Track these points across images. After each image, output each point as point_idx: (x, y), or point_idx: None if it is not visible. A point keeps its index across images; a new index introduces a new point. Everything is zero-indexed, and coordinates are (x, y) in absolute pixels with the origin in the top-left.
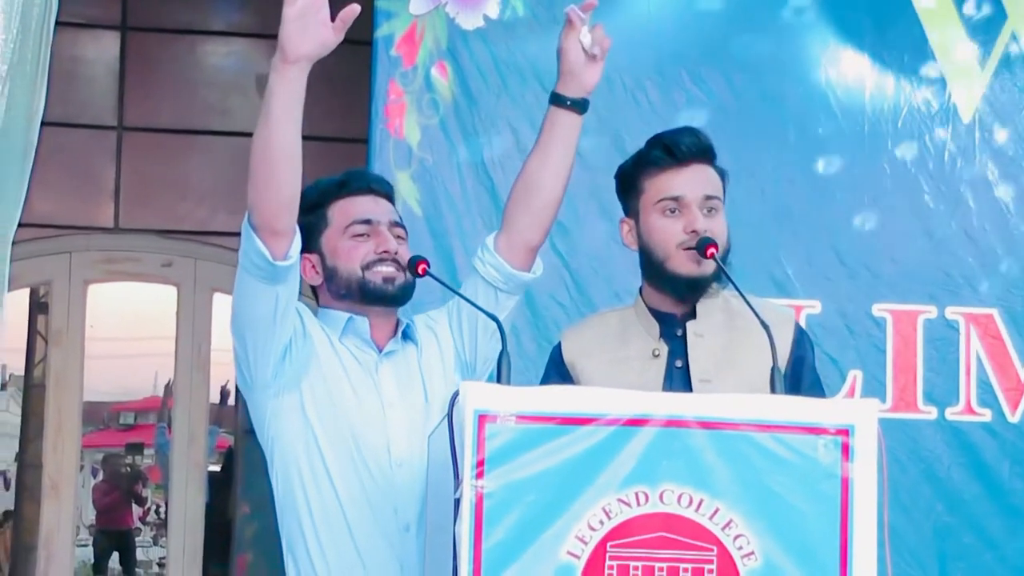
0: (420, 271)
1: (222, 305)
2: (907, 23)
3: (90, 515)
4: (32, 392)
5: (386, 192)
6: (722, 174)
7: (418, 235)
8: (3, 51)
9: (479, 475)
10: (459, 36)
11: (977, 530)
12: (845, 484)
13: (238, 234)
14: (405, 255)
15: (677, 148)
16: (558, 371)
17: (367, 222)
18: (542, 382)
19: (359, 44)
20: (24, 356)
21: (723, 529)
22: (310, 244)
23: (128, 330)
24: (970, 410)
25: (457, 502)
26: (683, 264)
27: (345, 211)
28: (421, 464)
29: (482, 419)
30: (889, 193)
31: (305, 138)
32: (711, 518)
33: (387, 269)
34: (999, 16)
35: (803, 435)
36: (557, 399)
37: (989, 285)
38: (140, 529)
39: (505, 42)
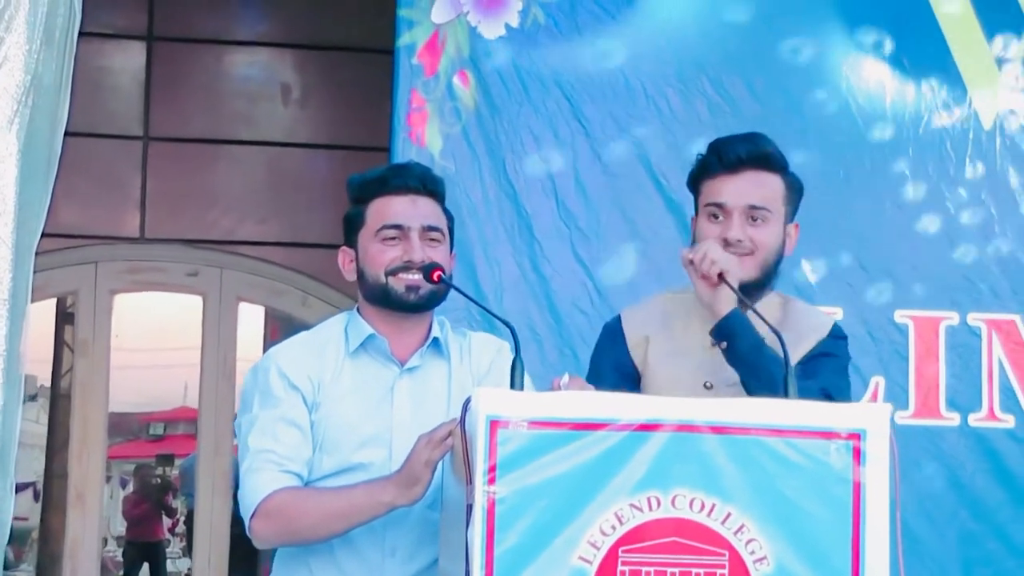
0: (434, 278)
1: (248, 315)
2: (927, 30)
3: (119, 526)
4: (59, 403)
5: (430, 189)
6: (792, 183)
7: None
8: (27, 62)
9: (491, 481)
10: (481, 45)
11: (1001, 536)
12: (857, 488)
13: (264, 243)
14: (439, 258)
15: (726, 155)
16: (613, 343)
17: (397, 227)
18: (595, 354)
19: (381, 53)
20: (51, 367)
21: (735, 534)
22: (350, 238)
23: (155, 340)
24: (993, 416)
25: (470, 507)
26: None
27: (380, 212)
28: None
29: (494, 425)
30: (911, 200)
31: (328, 146)
32: (723, 523)
33: (411, 277)
34: (1020, 22)
35: (815, 439)
36: (569, 404)
37: (1011, 291)
38: (169, 540)
39: (527, 51)
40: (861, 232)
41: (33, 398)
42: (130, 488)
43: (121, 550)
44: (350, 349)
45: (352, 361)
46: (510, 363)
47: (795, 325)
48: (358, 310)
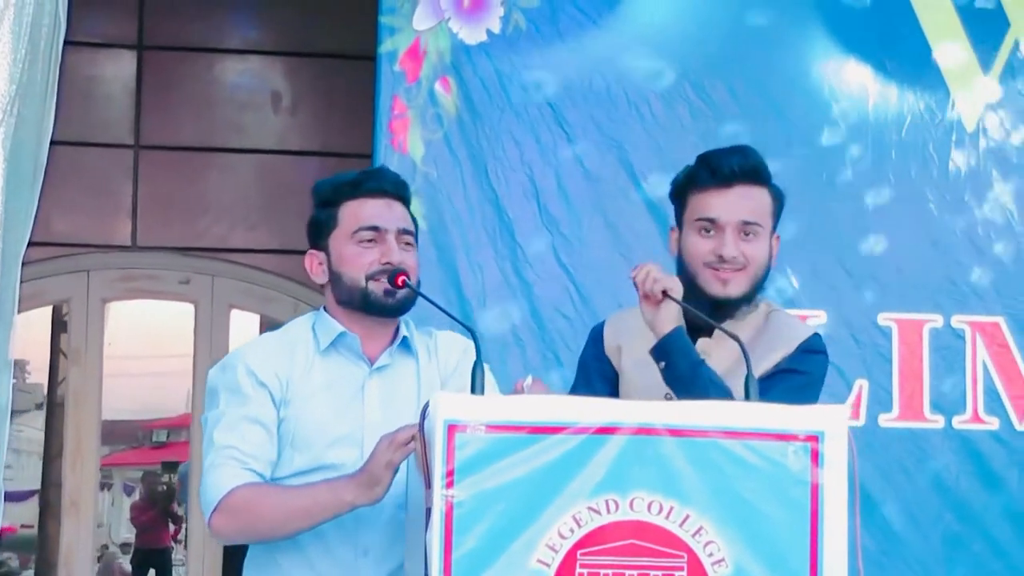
0: (398, 283)
1: (240, 322)
2: (910, 32)
3: (125, 533)
4: (55, 411)
5: (401, 194)
6: (777, 195)
7: (423, 250)
8: (12, 72)
9: (449, 484)
10: (462, 51)
11: (986, 538)
12: (815, 490)
13: (256, 251)
14: (411, 263)
15: (719, 169)
16: (595, 347)
17: (374, 228)
18: (582, 356)
19: (363, 60)
20: (47, 375)
21: (693, 536)
22: (319, 241)
23: (155, 347)
24: (977, 418)
25: (428, 511)
26: (709, 283)
27: (355, 214)
28: (394, 488)
29: (452, 429)
30: (893, 202)
31: (319, 154)
32: (681, 525)
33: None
34: (1002, 24)
35: (773, 442)
36: (527, 408)
37: (995, 293)
38: (173, 547)
39: (508, 56)
40: (844, 235)
41: (40, 407)
42: (136, 495)
43: (129, 557)
44: (320, 347)
45: (322, 359)
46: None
47: (771, 338)
48: (325, 310)
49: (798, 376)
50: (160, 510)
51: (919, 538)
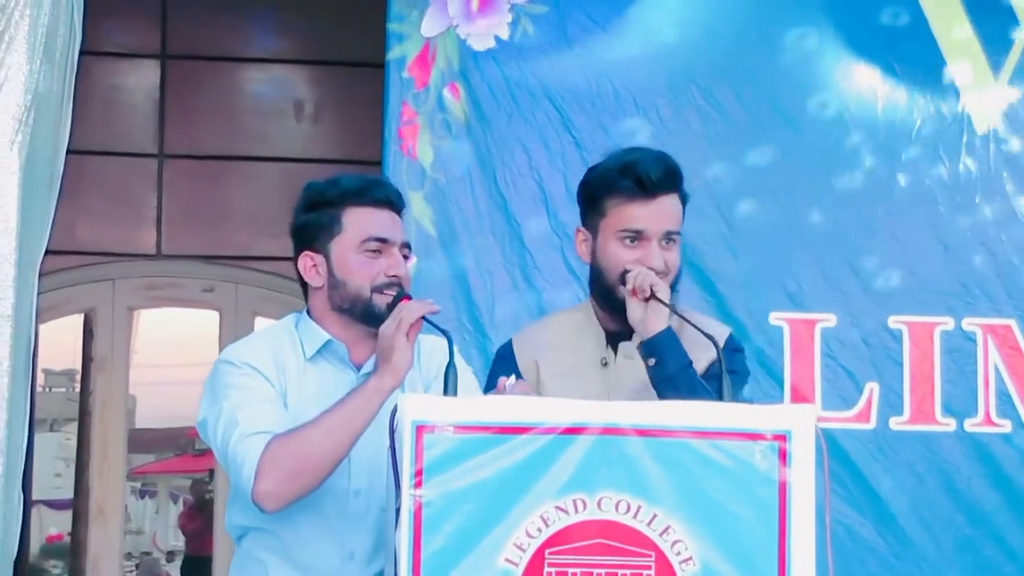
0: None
1: None
2: (919, 34)
3: (172, 540)
4: (86, 419)
5: (400, 207)
6: (684, 199)
7: (432, 255)
8: (27, 82)
9: (417, 484)
10: (471, 57)
11: (998, 542)
12: (783, 489)
13: (279, 258)
14: (408, 276)
15: (648, 180)
16: (505, 368)
17: (383, 240)
18: (489, 381)
19: (372, 66)
20: (79, 383)
21: (661, 535)
22: (316, 243)
23: (179, 355)
24: (989, 421)
25: (397, 511)
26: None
27: (363, 223)
28: (380, 492)
29: (420, 429)
30: (904, 205)
31: (341, 161)
32: (649, 524)
33: (393, 293)
34: (1013, 25)
35: (740, 441)
36: (494, 409)
37: (1007, 296)
38: None
39: (516, 62)
40: (853, 238)
41: None
42: (181, 503)
43: (179, 564)
44: (307, 355)
45: (312, 367)
46: (462, 369)
47: (692, 336)
48: (308, 313)
49: (736, 377)
50: (208, 517)
51: (930, 541)
